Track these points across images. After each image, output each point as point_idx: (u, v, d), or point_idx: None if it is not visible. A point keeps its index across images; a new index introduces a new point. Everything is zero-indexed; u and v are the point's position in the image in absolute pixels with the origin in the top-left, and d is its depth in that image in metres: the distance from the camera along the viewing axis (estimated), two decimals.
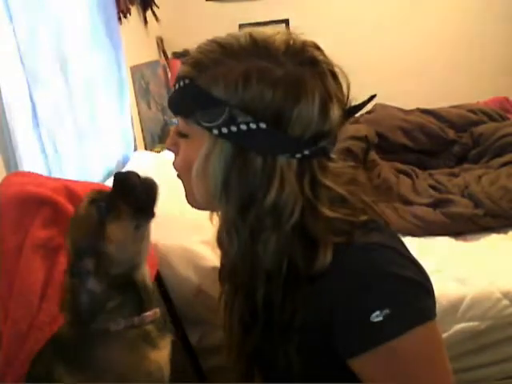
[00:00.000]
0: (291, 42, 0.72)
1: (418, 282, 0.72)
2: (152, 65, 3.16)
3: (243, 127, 0.69)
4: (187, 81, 0.72)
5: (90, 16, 2.13)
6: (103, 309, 0.97)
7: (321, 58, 0.72)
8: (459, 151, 2.70)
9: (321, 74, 0.71)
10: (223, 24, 3.61)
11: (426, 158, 2.70)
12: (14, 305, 1.13)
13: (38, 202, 1.25)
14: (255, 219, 0.72)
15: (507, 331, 1.57)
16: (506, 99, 3.27)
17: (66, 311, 1.00)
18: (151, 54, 3.27)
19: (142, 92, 2.90)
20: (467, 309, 1.56)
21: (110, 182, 1.67)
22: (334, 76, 0.72)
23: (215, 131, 0.70)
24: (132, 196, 0.99)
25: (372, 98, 0.79)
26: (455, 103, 3.01)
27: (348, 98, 0.74)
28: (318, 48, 0.73)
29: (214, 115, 0.69)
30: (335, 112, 0.71)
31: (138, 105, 2.80)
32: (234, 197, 0.72)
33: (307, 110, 0.69)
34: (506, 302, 1.57)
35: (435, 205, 2.13)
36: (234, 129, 0.69)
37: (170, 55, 3.40)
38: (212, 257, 1.44)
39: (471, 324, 1.55)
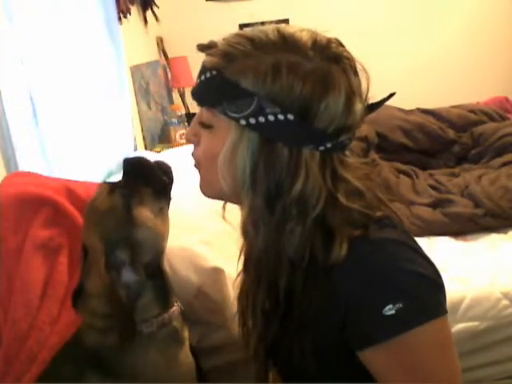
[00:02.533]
0: (317, 38, 0.73)
1: (431, 278, 0.74)
2: (152, 65, 3.16)
3: (271, 118, 0.70)
4: (214, 72, 0.73)
5: (90, 16, 2.13)
6: (136, 306, 0.94)
7: (345, 54, 0.74)
8: (459, 151, 2.70)
9: (345, 69, 0.73)
10: (223, 24, 3.60)
11: (425, 158, 2.69)
12: (14, 304, 1.13)
13: (38, 202, 1.25)
14: (282, 210, 0.73)
15: (507, 331, 1.57)
16: (506, 99, 3.27)
17: (90, 315, 0.96)
18: (151, 54, 3.27)
19: (142, 92, 2.90)
20: (467, 309, 1.56)
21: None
22: (356, 72, 0.75)
23: (243, 122, 0.71)
24: (152, 178, 0.97)
25: (391, 95, 0.80)
26: (455, 103, 3.01)
27: (367, 94, 0.76)
28: (341, 44, 0.75)
29: (242, 106, 0.71)
30: (358, 107, 0.74)
31: (138, 105, 2.80)
32: (262, 188, 0.73)
33: (334, 103, 0.71)
34: (505, 301, 1.57)
35: (435, 205, 2.13)
36: (261, 119, 0.70)
37: (169, 55, 3.40)
38: (212, 257, 1.44)
39: (471, 324, 1.54)
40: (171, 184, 1.02)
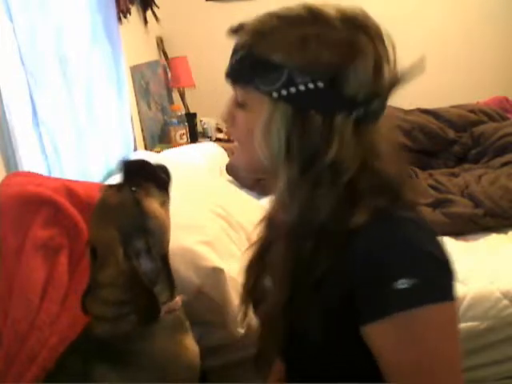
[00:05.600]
0: (344, 10, 0.76)
1: (446, 263, 0.75)
2: (152, 65, 3.16)
3: (302, 88, 0.73)
4: (245, 50, 0.76)
5: (89, 16, 2.13)
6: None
7: (372, 23, 0.77)
8: (459, 151, 2.70)
9: (372, 38, 0.75)
10: (223, 24, 3.59)
11: (425, 158, 2.69)
12: (14, 304, 1.13)
13: (38, 202, 1.25)
14: (315, 176, 0.75)
15: (507, 331, 1.57)
16: (506, 99, 3.27)
17: (101, 305, 1.00)
18: (151, 54, 3.27)
19: (142, 92, 2.90)
20: (467, 309, 1.56)
21: (109, 182, 1.67)
22: (383, 41, 0.77)
23: (275, 94, 0.74)
24: (153, 174, 1.06)
25: (422, 59, 0.80)
26: (455, 103, 3.01)
27: (395, 62, 0.77)
28: (367, 15, 0.78)
29: (273, 79, 0.73)
30: (386, 74, 0.75)
31: (138, 105, 2.80)
32: (296, 157, 0.75)
33: (362, 69, 0.73)
34: (505, 301, 1.57)
35: (435, 205, 2.13)
36: (292, 90, 0.73)
37: (169, 55, 3.40)
38: (212, 257, 1.44)
39: (471, 324, 1.54)
40: (170, 182, 1.09)
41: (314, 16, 0.75)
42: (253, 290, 0.93)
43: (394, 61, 0.77)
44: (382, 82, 0.75)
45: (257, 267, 0.93)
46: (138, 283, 0.96)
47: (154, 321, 0.98)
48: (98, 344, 0.99)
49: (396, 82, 0.77)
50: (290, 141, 0.75)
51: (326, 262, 0.75)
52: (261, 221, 0.96)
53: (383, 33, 0.77)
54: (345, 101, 0.73)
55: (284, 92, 0.73)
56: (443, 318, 0.72)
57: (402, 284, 0.69)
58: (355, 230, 0.74)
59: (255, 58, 0.75)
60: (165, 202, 1.07)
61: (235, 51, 0.78)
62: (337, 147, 0.73)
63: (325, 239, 0.76)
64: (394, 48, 0.77)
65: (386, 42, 0.77)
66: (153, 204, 1.03)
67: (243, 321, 0.97)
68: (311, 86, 0.72)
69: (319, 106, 0.74)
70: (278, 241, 0.84)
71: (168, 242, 1.06)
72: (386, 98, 0.78)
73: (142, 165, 1.08)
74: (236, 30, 0.80)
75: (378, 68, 0.74)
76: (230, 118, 0.83)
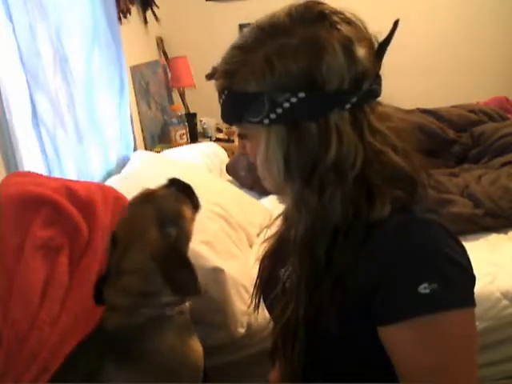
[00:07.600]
0: (293, 10, 0.75)
1: (467, 269, 0.75)
2: (152, 65, 3.16)
3: (286, 105, 0.73)
4: (226, 92, 0.78)
5: (89, 16, 2.13)
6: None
7: (326, 8, 0.75)
8: (459, 151, 2.70)
9: (332, 23, 0.73)
10: (223, 24, 3.60)
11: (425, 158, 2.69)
12: (14, 304, 1.13)
13: (38, 202, 1.25)
14: (320, 180, 0.75)
15: (507, 331, 1.57)
16: (506, 99, 3.27)
17: (119, 293, 1.02)
18: (151, 54, 3.27)
19: (142, 92, 2.90)
20: None
21: (109, 182, 1.67)
22: (348, 21, 0.75)
23: (266, 121, 0.75)
24: (193, 195, 1.18)
25: (396, 24, 0.78)
26: (455, 103, 3.01)
27: (369, 35, 0.76)
28: (320, 3, 0.76)
29: (257, 109, 0.75)
30: (361, 52, 0.73)
31: (137, 105, 2.80)
32: (297, 170, 0.76)
33: (333, 61, 0.71)
34: (505, 302, 1.57)
35: (435, 205, 2.12)
36: (279, 111, 0.74)
37: (169, 55, 3.40)
38: (212, 257, 1.44)
39: None
40: (198, 211, 1.18)
41: (266, 32, 0.75)
42: (267, 280, 0.94)
43: (368, 34, 0.75)
44: (360, 62, 0.73)
45: (274, 258, 0.94)
46: (175, 259, 1.02)
47: (194, 295, 1.04)
48: (109, 340, 1.01)
49: (378, 53, 0.76)
50: (288, 157, 0.75)
51: (343, 259, 0.75)
52: (279, 215, 0.97)
53: (344, 11, 0.75)
54: (332, 98, 0.73)
55: (272, 116, 0.74)
56: (463, 324, 0.73)
57: (424, 289, 0.69)
58: (377, 223, 0.73)
59: (235, 96, 0.77)
60: (193, 219, 1.15)
61: (219, 95, 0.80)
62: (336, 145, 0.73)
63: (341, 237, 0.76)
64: (362, 22, 0.75)
65: (353, 19, 0.74)
66: (187, 209, 1.13)
67: (256, 310, 0.98)
68: (294, 99, 0.73)
69: (309, 114, 0.74)
70: (292, 254, 0.83)
71: (187, 250, 1.12)
72: (375, 74, 0.76)
73: (187, 185, 1.19)
74: (211, 76, 0.81)
75: (349, 52, 0.72)
76: (245, 150, 0.85)
